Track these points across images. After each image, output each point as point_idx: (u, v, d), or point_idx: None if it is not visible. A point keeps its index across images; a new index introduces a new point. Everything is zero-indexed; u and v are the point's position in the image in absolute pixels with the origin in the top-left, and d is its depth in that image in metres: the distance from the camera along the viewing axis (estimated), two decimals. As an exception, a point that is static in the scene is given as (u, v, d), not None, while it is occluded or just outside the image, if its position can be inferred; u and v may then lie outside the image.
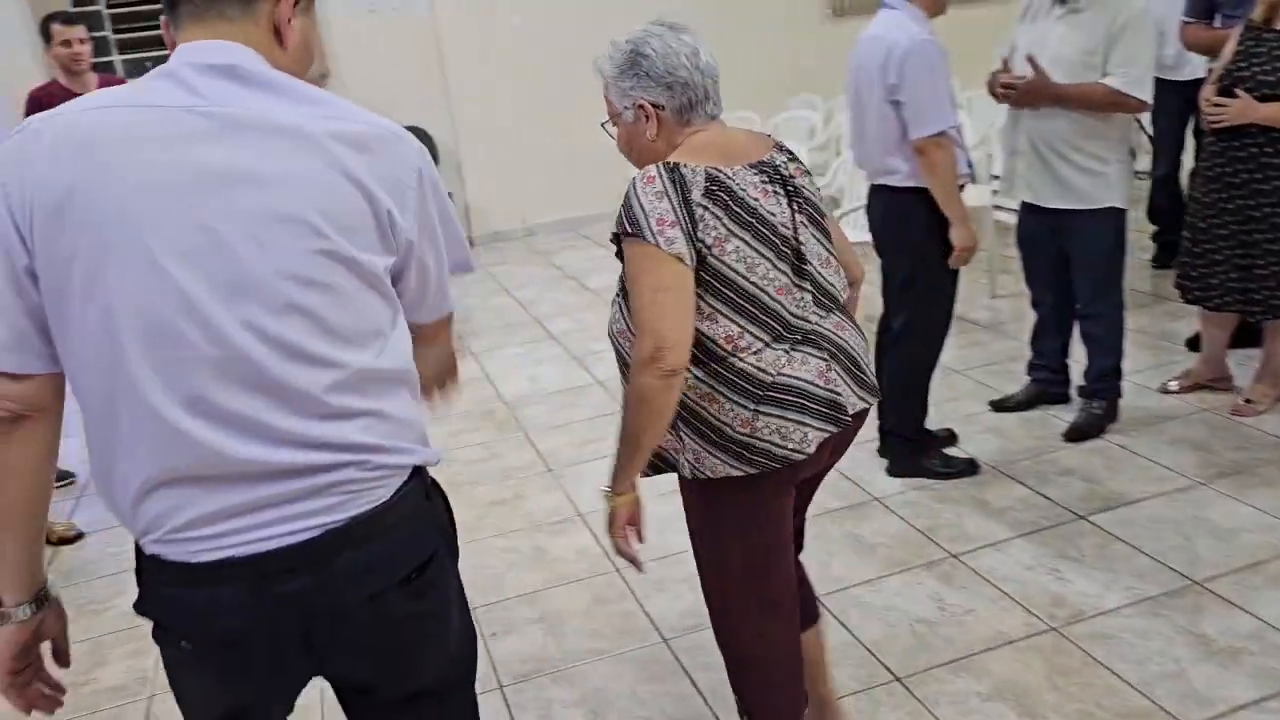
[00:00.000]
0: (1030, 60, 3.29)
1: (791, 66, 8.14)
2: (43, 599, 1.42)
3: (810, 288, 1.84)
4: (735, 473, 1.81)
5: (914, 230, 3.20)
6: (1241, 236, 3.42)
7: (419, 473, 1.45)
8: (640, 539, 1.99)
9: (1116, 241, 3.49)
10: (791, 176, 1.86)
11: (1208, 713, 2.27)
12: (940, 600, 2.79)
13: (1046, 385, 3.86)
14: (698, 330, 1.76)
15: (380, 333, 1.34)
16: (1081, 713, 2.32)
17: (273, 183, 1.24)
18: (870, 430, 3.71)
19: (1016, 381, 4.02)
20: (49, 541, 3.72)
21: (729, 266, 1.76)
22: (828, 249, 1.90)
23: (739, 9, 8.29)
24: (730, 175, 1.78)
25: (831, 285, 1.89)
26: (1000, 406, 3.90)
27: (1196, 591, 2.70)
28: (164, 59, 1.33)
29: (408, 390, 1.41)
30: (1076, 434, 3.59)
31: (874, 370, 1.99)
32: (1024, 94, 3.34)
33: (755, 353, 1.78)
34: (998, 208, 4.99)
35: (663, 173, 1.75)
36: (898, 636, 2.66)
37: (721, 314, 1.77)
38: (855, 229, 4.88)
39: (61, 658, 1.48)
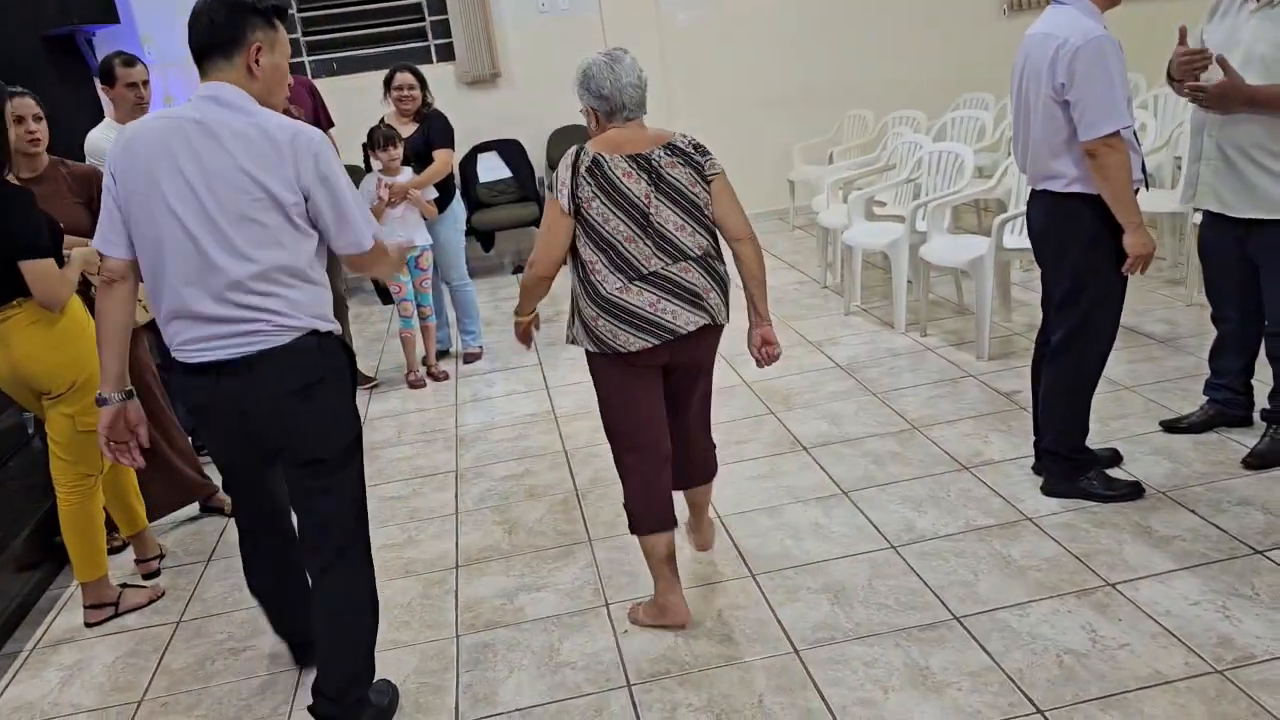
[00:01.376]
0: (1221, 62, 3.06)
1: (964, 63, 7.87)
2: (128, 394, 2.50)
3: (653, 242, 2.66)
4: (590, 348, 2.77)
5: (1077, 239, 3.03)
6: None
7: (315, 333, 2.37)
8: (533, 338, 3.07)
9: (1315, 254, 3.21)
10: (661, 166, 2.68)
11: (1392, 777, 2.06)
12: (1093, 631, 2.63)
13: (1226, 406, 3.59)
14: (578, 251, 2.72)
15: (282, 245, 2.29)
16: (1244, 765, 2.14)
17: (224, 157, 2.24)
18: (1023, 446, 3.56)
19: (1192, 401, 3.76)
20: (224, 512, 3.98)
21: (592, 218, 2.66)
22: (682, 218, 2.69)
23: (912, 5, 8.07)
24: (608, 160, 2.66)
25: (678, 242, 2.69)
26: (1173, 427, 3.65)
27: (1387, 642, 2.45)
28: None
29: (305, 284, 2.34)
30: (1258, 461, 3.33)
31: (719, 303, 2.82)
32: (1214, 98, 3.11)
33: (602, 278, 2.68)
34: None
35: (571, 153, 2.69)
36: (1043, 666, 2.52)
37: (588, 246, 2.69)
38: (1019, 234, 4.68)
39: (141, 439, 2.55)
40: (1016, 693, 2.44)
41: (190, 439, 4.22)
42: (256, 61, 2.30)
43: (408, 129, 5.19)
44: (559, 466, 4.07)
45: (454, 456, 4.34)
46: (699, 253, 2.73)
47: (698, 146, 2.78)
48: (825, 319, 5.50)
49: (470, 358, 5.60)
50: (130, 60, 4.01)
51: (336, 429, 2.45)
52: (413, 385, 5.30)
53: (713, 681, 2.64)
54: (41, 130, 3.39)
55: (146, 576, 3.59)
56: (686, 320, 2.71)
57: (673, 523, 2.88)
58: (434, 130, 5.20)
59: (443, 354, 5.66)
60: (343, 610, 2.54)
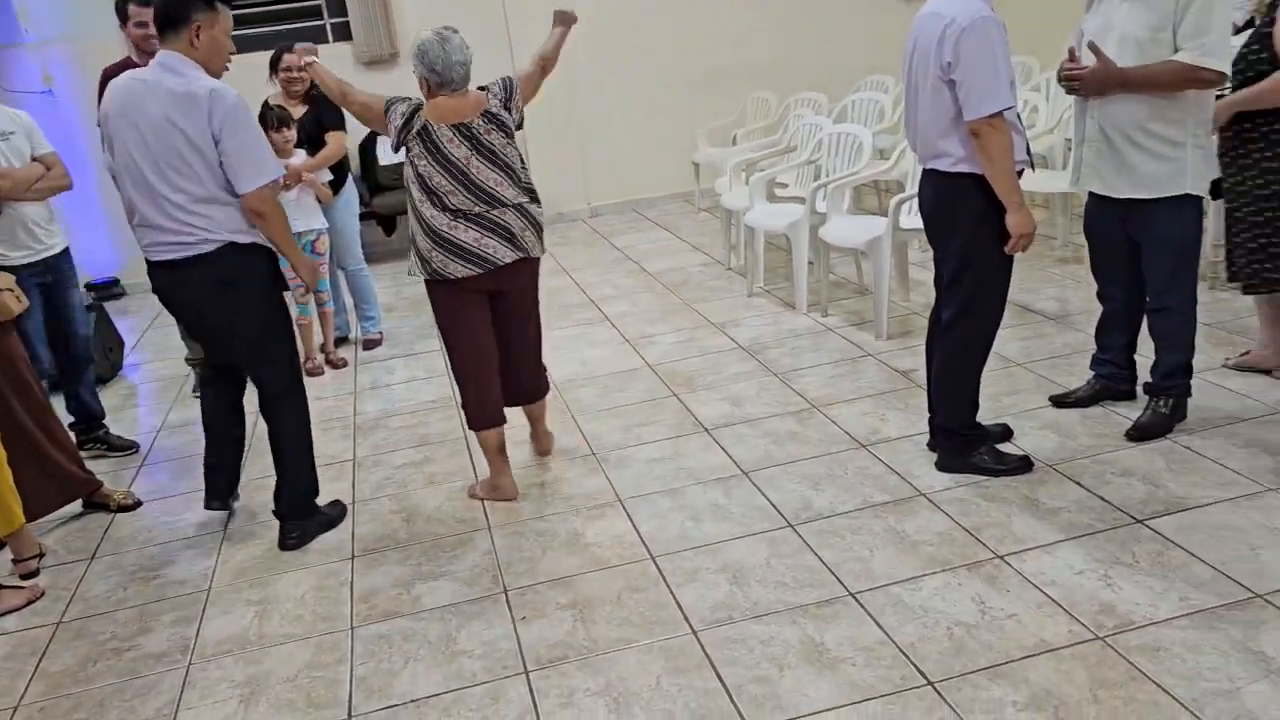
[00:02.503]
0: (1093, 47, 3.14)
1: (865, 47, 7.96)
2: None
3: (474, 195, 3.28)
4: (426, 276, 3.37)
5: (965, 218, 3.08)
6: (1254, 218, 3.45)
7: (233, 245, 3.14)
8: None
9: (1191, 232, 3.31)
10: (479, 134, 3.29)
11: (1260, 734, 2.15)
12: (982, 603, 2.68)
13: (1111, 381, 3.70)
14: (410, 191, 3.33)
15: (202, 180, 3.06)
16: (1123, 728, 2.21)
17: (159, 109, 3.00)
18: (919, 423, 3.61)
19: (1080, 376, 3.86)
20: (109, 508, 3.80)
21: (420, 171, 3.28)
22: (499, 174, 3.30)
23: (812, -12, 8.13)
24: (435, 129, 3.27)
25: (496, 194, 3.30)
26: (1061, 402, 3.75)
27: (1259, 605, 2.55)
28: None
29: (222, 206, 3.11)
30: (1140, 433, 3.44)
31: (534, 240, 3.44)
32: (1089, 83, 3.19)
33: (432, 214, 3.28)
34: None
35: (410, 107, 3.32)
36: (934, 639, 2.56)
37: (418, 189, 3.30)
38: (915, 215, 4.75)
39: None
40: (908, 665, 2.48)
41: (73, 436, 4.07)
42: (197, 36, 3.06)
43: (297, 111, 5.04)
44: (459, 453, 4.01)
45: (351, 445, 4.24)
46: (514, 202, 3.35)
47: (506, 101, 3.40)
48: (729, 301, 5.52)
49: (370, 344, 5.48)
50: None
51: (257, 316, 3.26)
52: (310, 373, 5.16)
53: (611, 665, 2.62)
54: None
55: (24, 577, 3.42)
56: (504, 254, 3.34)
57: (502, 420, 3.54)
58: (325, 112, 5.06)
59: (341, 341, 5.52)
60: (286, 435, 3.42)
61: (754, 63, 8.08)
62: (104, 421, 4.49)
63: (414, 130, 3.26)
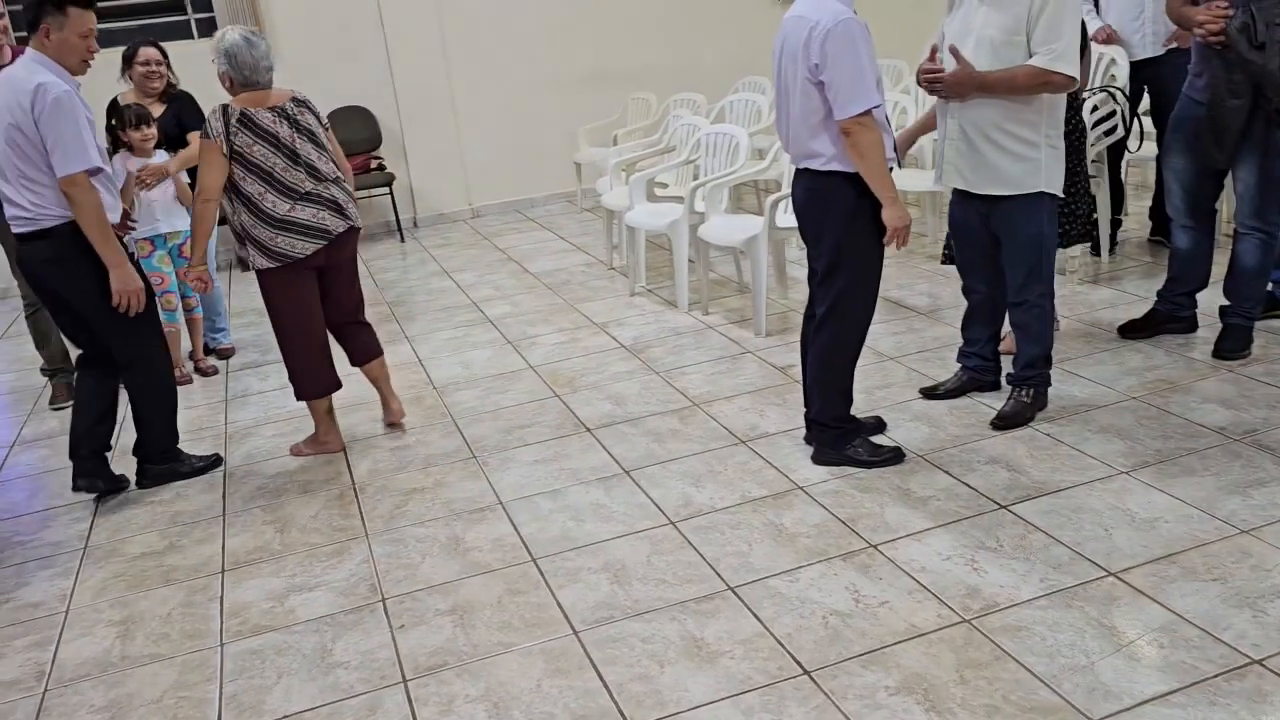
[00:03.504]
0: (953, 51, 3.25)
1: (742, 49, 8.08)
2: None
3: (304, 170, 3.61)
4: (268, 264, 3.63)
5: (836, 215, 3.15)
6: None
7: (70, 223, 3.41)
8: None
9: (1047, 228, 3.45)
10: (294, 115, 3.63)
11: (1114, 706, 2.25)
12: (856, 592, 2.74)
13: (976, 373, 3.84)
14: (243, 191, 3.58)
15: (35, 164, 3.35)
16: (988, 707, 2.28)
17: (5, 100, 3.32)
18: (796, 418, 3.68)
19: (950, 369, 3.99)
20: None
21: (255, 159, 3.55)
22: (318, 150, 3.67)
23: (689, -10, 8.21)
24: (254, 114, 3.55)
25: (319, 168, 3.65)
26: (930, 394, 3.87)
27: (1111, 583, 2.67)
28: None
29: (52, 189, 3.37)
30: (1004, 422, 3.57)
31: (355, 212, 3.82)
32: (949, 86, 3.30)
33: (272, 204, 3.57)
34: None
35: (220, 110, 3.55)
36: (810, 629, 2.61)
37: (254, 182, 3.56)
38: (790, 214, 4.84)
39: None
40: (785, 656, 2.52)
41: None
42: (47, 37, 3.35)
43: (156, 110, 4.84)
44: (335, 460, 3.91)
45: (222, 455, 4.09)
46: (333, 176, 3.72)
47: (310, 102, 3.77)
48: (611, 300, 5.53)
49: (223, 354, 5.30)
50: None
51: (91, 290, 3.49)
52: (179, 382, 4.96)
53: (491, 670, 2.59)
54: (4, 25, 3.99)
55: None
56: (337, 225, 3.69)
57: (334, 387, 3.92)
58: (186, 111, 4.88)
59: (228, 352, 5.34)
60: (137, 402, 3.78)
61: (634, 64, 8.12)
62: None
63: (233, 121, 3.52)
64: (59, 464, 4.16)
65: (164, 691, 2.66)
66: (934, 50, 3.42)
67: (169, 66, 4.93)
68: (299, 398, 3.89)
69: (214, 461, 3.95)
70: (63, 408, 4.71)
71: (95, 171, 3.39)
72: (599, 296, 5.62)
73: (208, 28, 7.21)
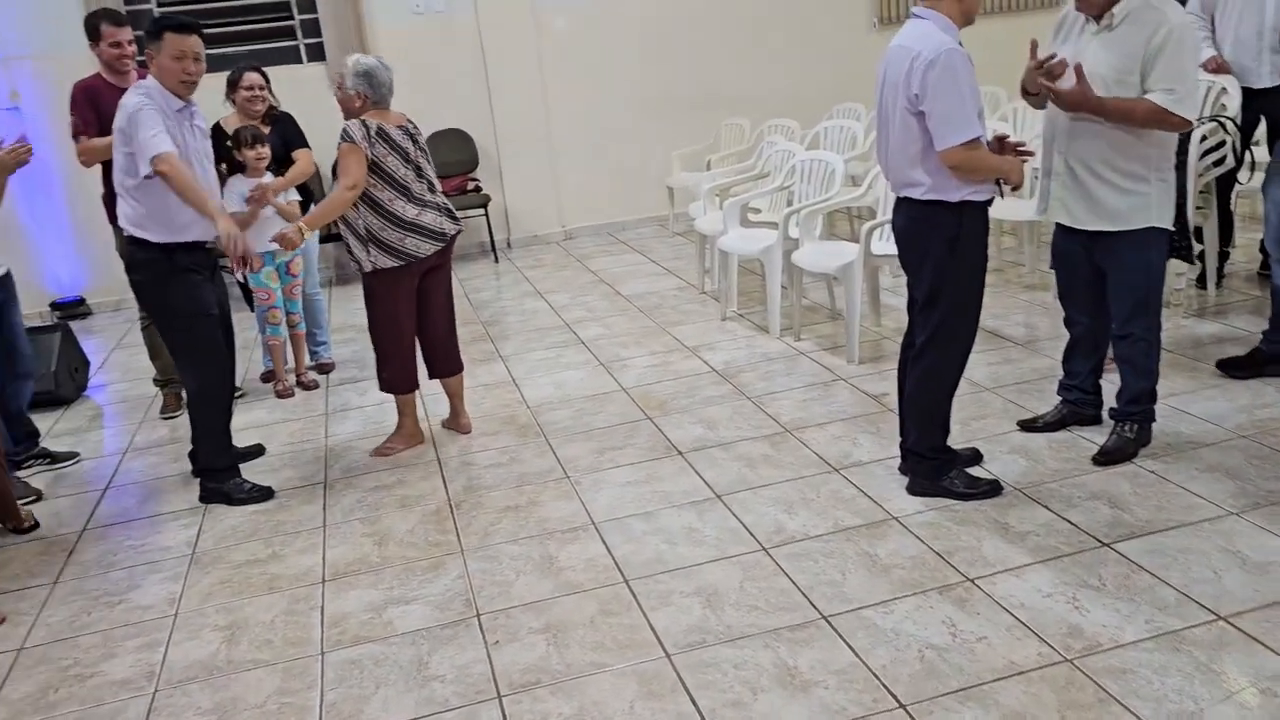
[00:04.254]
0: (1077, 70, 3.18)
1: (836, 75, 8.07)
2: None
3: (425, 183, 4.03)
4: (392, 264, 3.96)
5: (935, 244, 3.13)
6: None
7: (132, 237, 3.71)
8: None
9: (1156, 263, 3.37)
10: (414, 135, 4.03)
11: (1225, 756, 2.17)
12: (953, 626, 2.70)
13: (1077, 406, 3.75)
14: (374, 196, 3.90)
15: (128, 172, 3.64)
16: (1091, 750, 2.23)
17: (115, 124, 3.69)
18: (890, 447, 3.64)
19: (1048, 401, 3.92)
20: (20, 530, 3.82)
21: (388, 169, 3.90)
22: (431, 166, 4.09)
23: (785, 17, 8.24)
24: (387, 129, 3.91)
25: (433, 181, 4.09)
26: (1029, 426, 3.80)
27: (1221, 627, 2.59)
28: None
29: (125, 200, 3.68)
30: (1106, 458, 3.49)
31: (458, 219, 4.19)
32: (1068, 101, 3.22)
33: (401, 209, 3.94)
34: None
35: (360, 124, 3.87)
36: (906, 662, 2.58)
37: (386, 189, 3.91)
38: (887, 241, 4.81)
39: None
40: (880, 689, 2.49)
41: (18, 456, 4.24)
42: (151, 61, 3.64)
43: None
44: (432, 476, 3.99)
45: (323, 468, 4.21)
46: (441, 188, 4.18)
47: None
48: (702, 324, 5.55)
49: (324, 369, 5.45)
50: None
51: (153, 300, 3.84)
52: (281, 395, 5.13)
53: (583, 690, 2.61)
54: (132, 50, 3.87)
55: None
56: (451, 228, 4.10)
57: (416, 385, 4.26)
58: (290, 132, 5.06)
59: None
60: (191, 415, 3.97)
61: (728, 89, 8.16)
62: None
63: (372, 133, 3.87)
64: (169, 471, 4.34)
65: (267, 697, 2.74)
66: (1034, 45, 3.34)
67: (270, 90, 5.10)
68: (395, 391, 4.21)
69: (265, 493, 3.96)
70: (172, 417, 4.91)
71: (160, 158, 3.53)
72: (690, 320, 5.65)
73: (315, 53, 7.46)
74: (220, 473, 3.97)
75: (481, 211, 7.65)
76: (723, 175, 6.67)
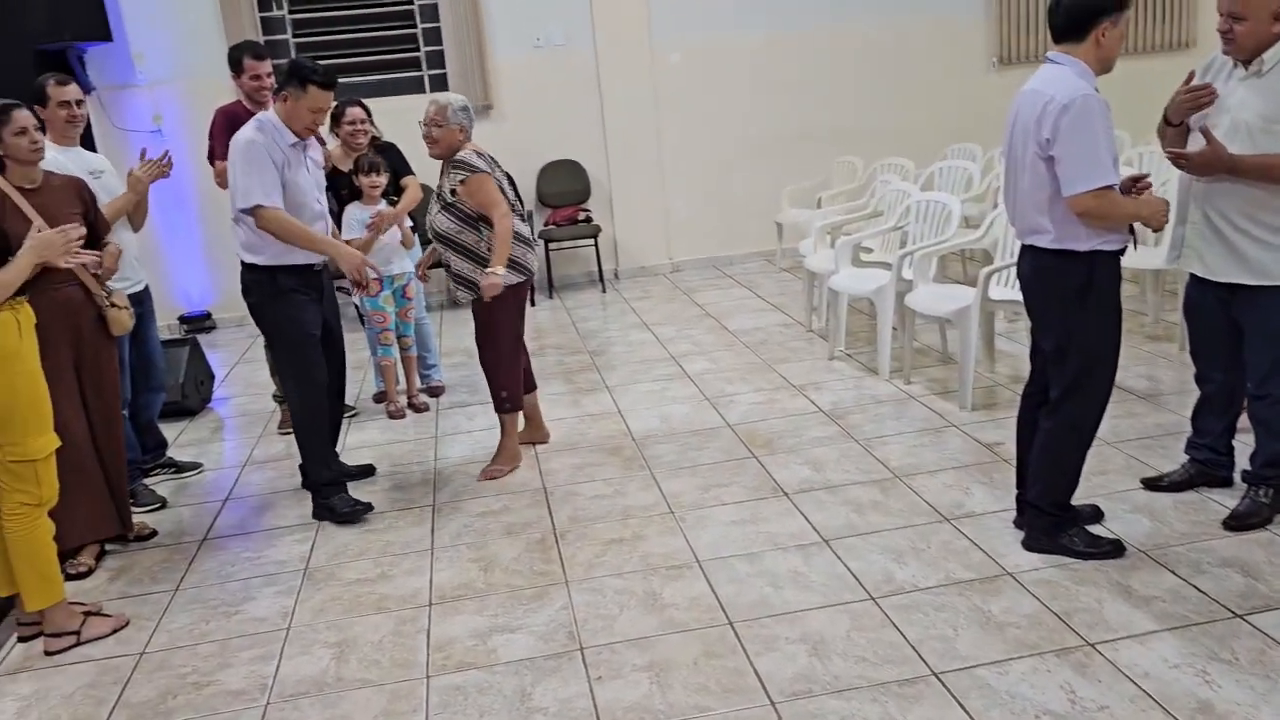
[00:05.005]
0: (1204, 131, 3.09)
1: (953, 115, 7.97)
2: None
3: (520, 204, 4.28)
4: (517, 279, 4.17)
5: (1064, 295, 3.04)
6: None
7: (243, 262, 3.92)
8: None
9: (1298, 318, 3.22)
10: (499, 163, 4.26)
11: None
12: (1072, 692, 2.60)
13: (1207, 466, 3.59)
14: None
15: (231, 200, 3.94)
16: (1223, 836, 2.11)
17: None
18: (1005, 499, 3.54)
19: (1173, 459, 3.76)
20: (125, 539, 3.93)
21: (504, 188, 4.14)
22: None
23: (902, 55, 8.17)
24: (492, 156, 4.20)
25: (517, 205, 4.25)
26: (1154, 485, 3.65)
27: (1367, 713, 2.43)
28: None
29: (241, 226, 3.86)
30: (1238, 522, 3.32)
31: None
32: (1196, 165, 3.14)
33: (519, 226, 4.17)
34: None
35: (479, 151, 4.15)
36: (1021, 727, 2.49)
37: (511, 209, 4.14)
38: (1006, 286, 4.70)
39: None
40: (994, 754, 2.41)
41: (145, 463, 4.43)
42: (284, 101, 3.80)
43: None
44: (538, 504, 4.03)
45: (431, 490, 4.29)
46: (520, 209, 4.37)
47: None
48: (810, 363, 5.50)
49: (434, 391, 5.55)
50: (63, 79, 4.09)
51: (263, 322, 4.00)
52: (392, 415, 5.25)
53: (687, 732, 2.59)
54: (42, 140, 3.48)
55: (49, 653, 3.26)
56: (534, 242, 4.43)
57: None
58: (398, 160, 5.19)
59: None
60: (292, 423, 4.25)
61: (841, 125, 8.13)
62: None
63: (488, 159, 4.17)
64: (284, 485, 4.47)
65: (374, 717, 2.78)
66: (1191, 76, 3.25)
67: (371, 121, 5.22)
68: (517, 408, 4.36)
69: (365, 508, 4.05)
70: (289, 433, 5.06)
71: (254, 210, 3.74)
72: (797, 358, 5.60)
73: (437, 83, 7.67)
74: (325, 487, 4.07)
75: (591, 242, 7.73)
76: (834, 213, 6.62)
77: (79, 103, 4.07)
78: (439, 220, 4.16)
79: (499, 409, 4.35)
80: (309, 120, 3.82)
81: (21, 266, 3.07)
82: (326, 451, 4.12)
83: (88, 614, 3.36)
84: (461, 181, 4.06)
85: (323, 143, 4.83)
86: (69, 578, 3.62)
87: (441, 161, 4.18)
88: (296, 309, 3.90)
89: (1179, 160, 3.18)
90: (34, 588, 3.20)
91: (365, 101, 5.25)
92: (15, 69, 5.88)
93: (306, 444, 4.06)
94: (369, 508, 4.07)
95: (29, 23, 6.32)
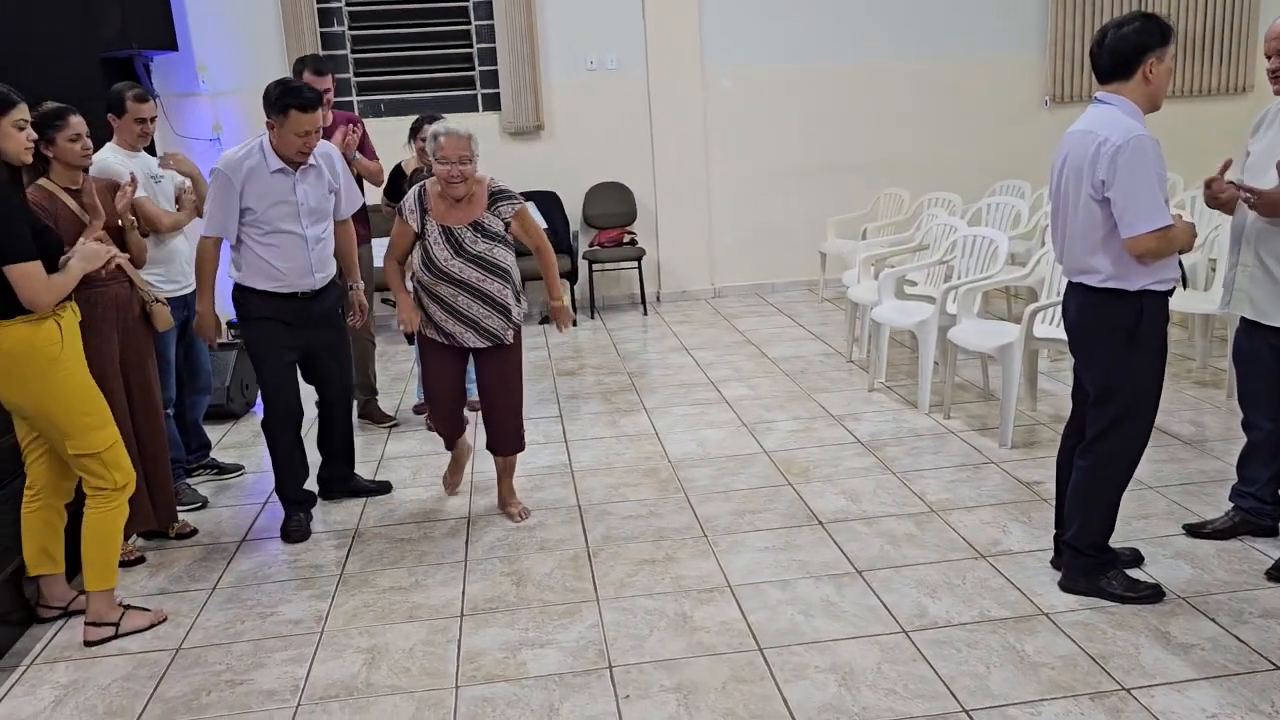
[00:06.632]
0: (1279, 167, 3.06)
1: (1002, 151, 7.96)
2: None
3: None
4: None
5: (1112, 335, 3.02)
6: None
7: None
8: None
9: (1352, 368, 3.18)
10: None
11: None
12: (1105, 736, 2.57)
13: (1251, 515, 3.53)
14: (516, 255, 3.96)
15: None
16: None
17: None
18: (1043, 539, 3.51)
19: (1217, 506, 3.71)
20: (167, 535, 4.07)
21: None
22: None
23: (957, 91, 8.17)
24: None
25: None
26: (1196, 532, 3.60)
27: None
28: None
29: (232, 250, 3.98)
30: (1282, 573, 3.27)
31: None
32: (1266, 204, 3.10)
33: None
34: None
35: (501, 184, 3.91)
36: (1052, 769, 2.46)
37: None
38: (1050, 324, 4.67)
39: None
40: (1024, 794, 2.38)
41: (188, 462, 4.53)
42: (271, 129, 3.78)
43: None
44: (572, 521, 4.04)
45: (467, 502, 4.32)
46: None
47: None
48: (848, 393, 5.48)
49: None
50: (143, 95, 4.24)
51: (244, 342, 4.10)
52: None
53: (713, 756, 2.58)
54: (91, 146, 3.61)
55: (89, 643, 3.32)
56: None
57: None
58: None
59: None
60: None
61: (888, 159, 8.13)
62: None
63: None
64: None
65: (402, 723, 2.81)
66: (1227, 164, 3.24)
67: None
68: (520, 450, 4.13)
69: (297, 537, 4.06)
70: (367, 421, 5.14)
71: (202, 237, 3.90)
72: (836, 388, 5.59)
73: (492, 103, 7.78)
74: (291, 504, 4.13)
75: (635, 264, 7.78)
76: (879, 244, 6.62)
77: (152, 119, 4.24)
78: (469, 265, 3.80)
79: (519, 447, 4.12)
80: (298, 144, 3.75)
81: (74, 275, 3.14)
82: (284, 473, 4.13)
83: (127, 607, 3.43)
84: (515, 213, 3.86)
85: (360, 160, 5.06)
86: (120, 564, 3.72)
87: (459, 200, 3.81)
88: (262, 330, 3.95)
89: (1248, 197, 3.15)
90: (97, 569, 3.30)
91: (450, 117, 5.35)
92: (84, 75, 6.07)
93: (274, 456, 4.12)
94: (305, 536, 4.07)
95: (100, 31, 6.50)
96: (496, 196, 3.84)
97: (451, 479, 4.41)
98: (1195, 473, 4.16)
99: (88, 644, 3.31)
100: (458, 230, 3.79)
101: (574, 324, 4.00)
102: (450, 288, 3.81)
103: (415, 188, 3.88)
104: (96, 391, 3.24)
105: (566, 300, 3.97)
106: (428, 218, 3.81)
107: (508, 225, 3.85)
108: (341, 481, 4.44)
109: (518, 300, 3.94)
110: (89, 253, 3.21)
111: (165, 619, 3.45)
